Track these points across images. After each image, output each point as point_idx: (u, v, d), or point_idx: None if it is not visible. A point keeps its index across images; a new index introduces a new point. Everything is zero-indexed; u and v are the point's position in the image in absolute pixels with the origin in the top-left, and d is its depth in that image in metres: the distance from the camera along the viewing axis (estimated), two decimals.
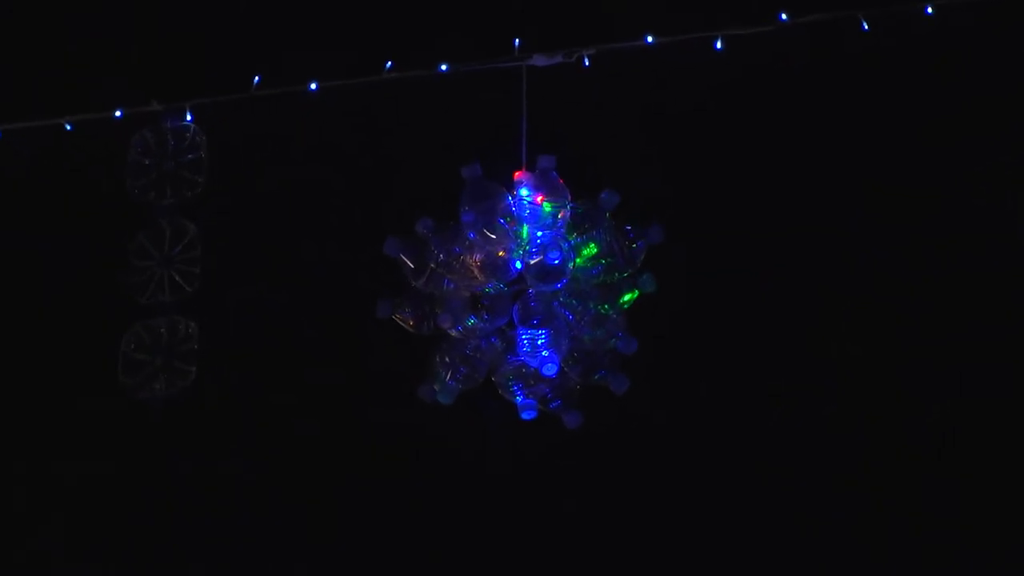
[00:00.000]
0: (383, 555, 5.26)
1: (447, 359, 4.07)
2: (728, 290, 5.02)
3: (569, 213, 4.03)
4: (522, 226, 4.02)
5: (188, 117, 4.53)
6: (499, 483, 5.14)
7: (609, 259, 4.04)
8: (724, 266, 5.01)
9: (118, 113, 4.64)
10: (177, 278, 4.37)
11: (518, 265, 4.02)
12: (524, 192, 4.03)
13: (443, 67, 4.49)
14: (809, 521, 4.98)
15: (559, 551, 5.14)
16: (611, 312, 4.05)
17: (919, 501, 4.92)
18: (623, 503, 5.12)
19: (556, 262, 3.97)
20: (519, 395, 4.08)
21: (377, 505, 5.24)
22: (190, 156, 4.44)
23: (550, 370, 3.99)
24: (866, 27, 4.34)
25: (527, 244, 4.00)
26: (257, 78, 4.58)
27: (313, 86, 4.56)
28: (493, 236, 3.98)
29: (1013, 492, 4.87)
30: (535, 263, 3.99)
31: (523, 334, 4.01)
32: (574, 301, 4.03)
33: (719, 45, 4.42)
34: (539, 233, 4.00)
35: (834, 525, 4.96)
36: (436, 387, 4.08)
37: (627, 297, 4.07)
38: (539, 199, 4.01)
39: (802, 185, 4.99)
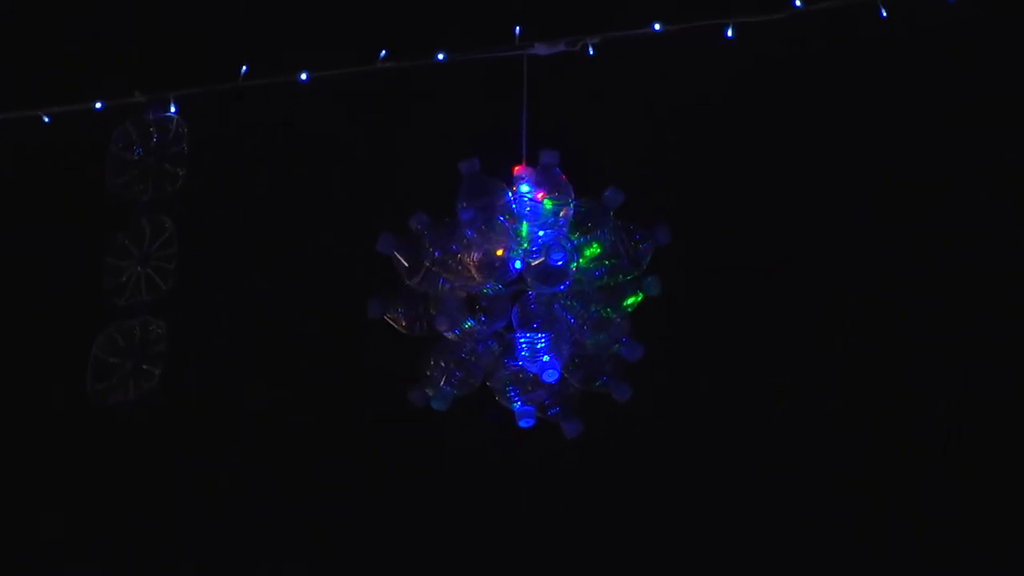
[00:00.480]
0: (380, 555, 5.21)
1: (441, 363, 3.96)
2: (733, 286, 4.97)
3: (572, 211, 3.91)
4: (522, 224, 3.90)
5: (172, 108, 4.44)
6: (497, 483, 5.10)
7: (613, 260, 3.93)
8: (731, 261, 4.96)
9: (99, 105, 4.56)
10: (153, 275, 4.28)
11: (517, 265, 3.91)
12: (524, 188, 3.91)
13: (440, 56, 4.40)
14: (814, 519, 4.94)
15: (558, 552, 5.11)
16: (614, 316, 3.94)
17: (925, 498, 4.88)
18: (624, 502, 5.07)
19: (559, 263, 3.84)
20: (516, 401, 3.98)
21: (373, 504, 5.19)
22: (174, 149, 4.36)
23: (551, 376, 3.88)
24: (884, 14, 4.23)
25: (527, 243, 3.88)
26: (245, 67, 4.50)
27: (303, 76, 4.47)
28: (492, 234, 3.86)
29: (1019, 489, 4.83)
30: (536, 264, 3.87)
31: (522, 338, 3.89)
32: (575, 303, 3.93)
33: (730, 33, 4.33)
34: (540, 232, 3.89)
35: (839, 523, 4.92)
36: (429, 391, 3.97)
37: (630, 300, 3.97)
38: (540, 196, 3.90)
39: (817, 178, 4.92)
